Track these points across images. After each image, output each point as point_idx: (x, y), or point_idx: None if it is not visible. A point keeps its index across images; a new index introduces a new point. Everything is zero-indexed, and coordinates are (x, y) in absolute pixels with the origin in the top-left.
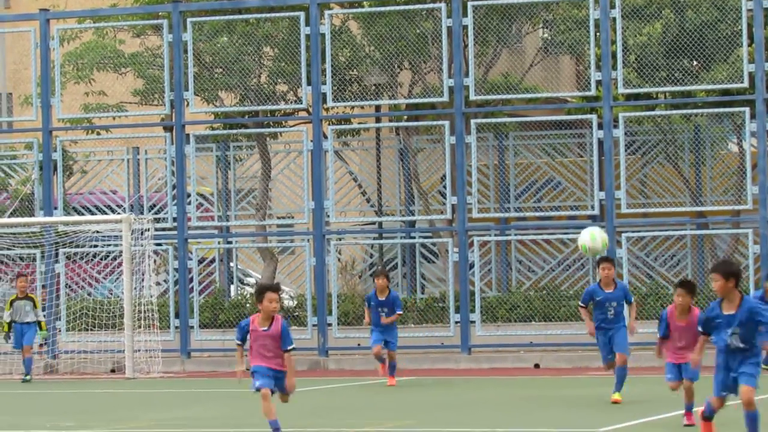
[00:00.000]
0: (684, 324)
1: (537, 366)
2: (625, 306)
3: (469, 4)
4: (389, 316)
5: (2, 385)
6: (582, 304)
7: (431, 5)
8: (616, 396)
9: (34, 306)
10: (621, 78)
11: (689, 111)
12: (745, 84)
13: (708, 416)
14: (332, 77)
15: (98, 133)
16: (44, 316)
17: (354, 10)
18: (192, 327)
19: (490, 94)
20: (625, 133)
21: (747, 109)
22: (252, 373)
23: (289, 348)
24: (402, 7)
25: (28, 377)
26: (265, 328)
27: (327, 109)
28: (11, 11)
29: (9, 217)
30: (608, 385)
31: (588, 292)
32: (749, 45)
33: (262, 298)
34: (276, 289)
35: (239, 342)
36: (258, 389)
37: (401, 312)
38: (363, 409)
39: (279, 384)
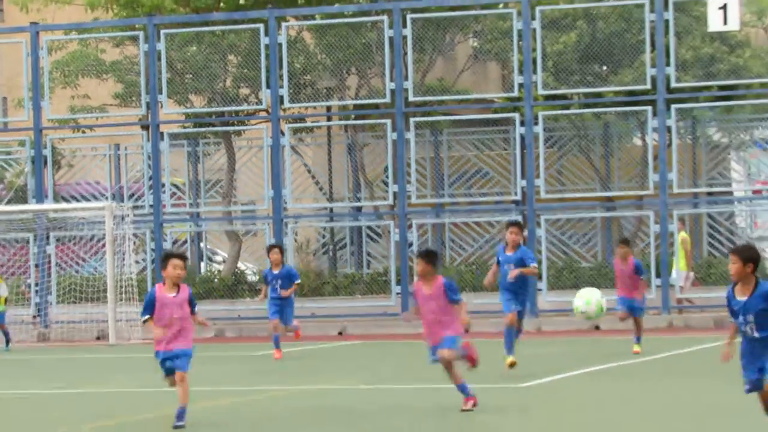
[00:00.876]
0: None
1: (466, 330)
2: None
3: (408, 17)
4: (286, 289)
5: None
6: (494, 265)
7: (375, 18)
8: (511, 359)
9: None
10: (540, 81)
11: (599, 110)
12: (648, 86)
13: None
14: (288, 81)
15: (83, 132)
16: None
17: (307, 23)
18: None
19: (426, 96)
20: (544, 129)
21: (650, 108)
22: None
23: (196, 311)
24: (349, 20)
25: (8, 347)
26: (173, 295)
27: (284, 110)
28: (5, 24)
29: (5, 205)
30: (536, 346)
31: (497, 254)
32: (651, 52)
33: (166, 264)
34: (181, 256)
35: (149, 317)
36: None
37: (299, 281)
38: (318, 367)
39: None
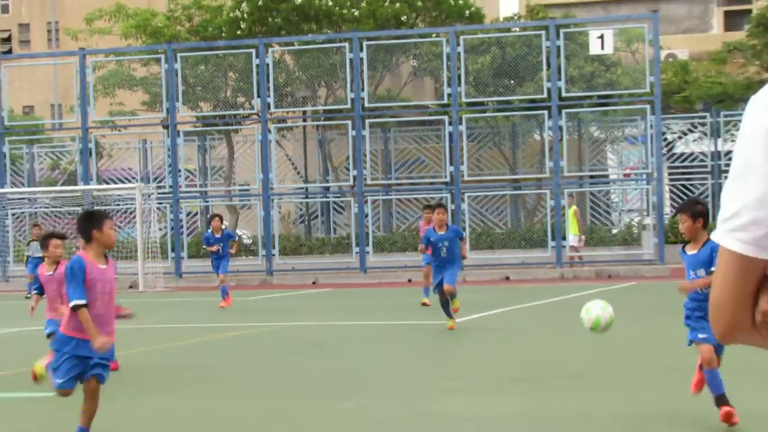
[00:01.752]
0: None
1: (409, 281)
2: (459, 242)
3: (364, 43)
4: (225, 249)
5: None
6: (422, 245)
7: (339, 44)
8: (451, 323)
9: None
10: (464, 92)
11: (508, 113)
12: (545, 95)
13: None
14: (273, 92)
15: (119, 130)
16: None
17: (287, 48)
18: (183, 257)
19: (378, 103)
20: (466, 128)
21: (546, 112)
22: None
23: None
24: (319, 46)
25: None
26: (50, 273)
27: (270, 114)
28: (60, 49)
29: (60, 186)
30: (463, 292)
31: (425, 236)
32: (547, 70)
33: (47, 244)
34: (61, 236)
35: (38, 292)
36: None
37: (236, 239)
38: (297, 308)
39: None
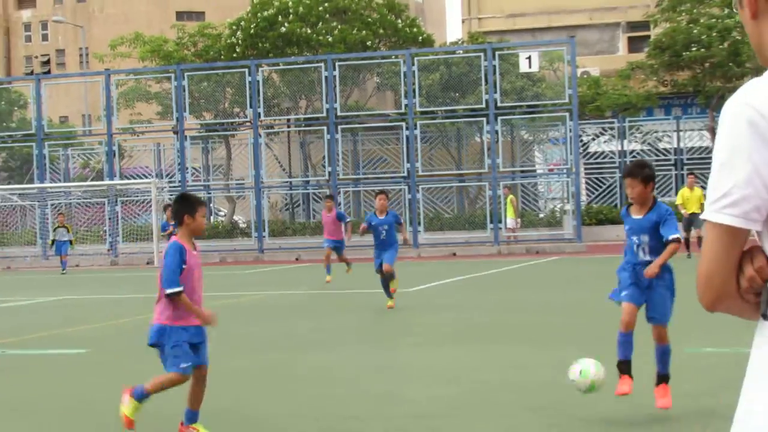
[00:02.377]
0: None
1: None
2: (397, 227)
3: (336, 63)
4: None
5: (72, 273)
6: (365, 225)
7: (316, 65)
8: (390, 302)
9: (68, 231)
10: (418, 103)
11: (454, 120)
12: (483, 105)
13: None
14: (263, 104)
15: (137, 136)
16: (73, 236)
17: (274, 67)
18: None
19: (348, 112)
20: (420, 132)
21: (484, 119)
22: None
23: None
24: (300, 66)
25: (64, 271)
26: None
27: (261, 122)
28: (89, 69)
29: (90, 181)
30: (418, 266)
31: (367, 219)
32: (485, 84)
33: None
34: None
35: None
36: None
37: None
38: (282, 280)
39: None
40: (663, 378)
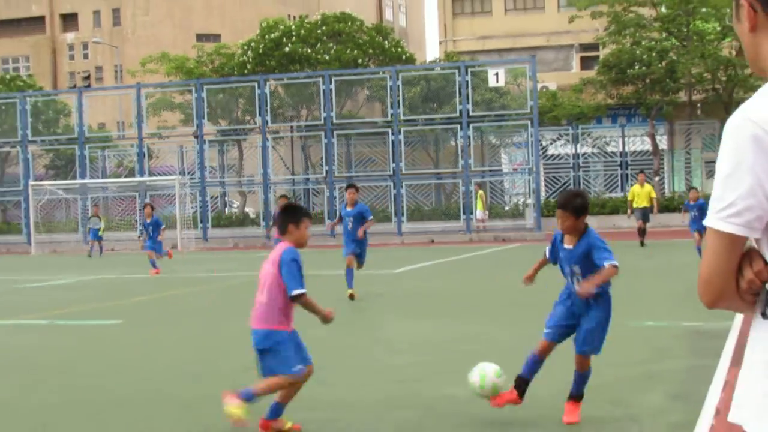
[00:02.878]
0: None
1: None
2: (363, 220)
3: (333, 78)
4: (159, 234)
5: (108, 256)
6: (338, 217)
7: (315, 80)
8: (350, 291)
9: (99, 220)
10: (401, 112)
11: (432, 126)
12: (458, 114)
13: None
14: (270, 112)
15: (163, 139)
16: (103, 225)
17: (279, 82)
18: (208, 227)
19: (343, 120)
20: (404, 137)
21: (458, 126)
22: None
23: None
24: (302, 80)
25: (90, 256)
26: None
27: (268, 127)
28: (123, 83)
29: (124, 178)
30: (402, 251)
31: (340, 212)
32: (459, 96)
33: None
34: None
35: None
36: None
37: (164, 226)
38: None
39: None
40: (576, 397)
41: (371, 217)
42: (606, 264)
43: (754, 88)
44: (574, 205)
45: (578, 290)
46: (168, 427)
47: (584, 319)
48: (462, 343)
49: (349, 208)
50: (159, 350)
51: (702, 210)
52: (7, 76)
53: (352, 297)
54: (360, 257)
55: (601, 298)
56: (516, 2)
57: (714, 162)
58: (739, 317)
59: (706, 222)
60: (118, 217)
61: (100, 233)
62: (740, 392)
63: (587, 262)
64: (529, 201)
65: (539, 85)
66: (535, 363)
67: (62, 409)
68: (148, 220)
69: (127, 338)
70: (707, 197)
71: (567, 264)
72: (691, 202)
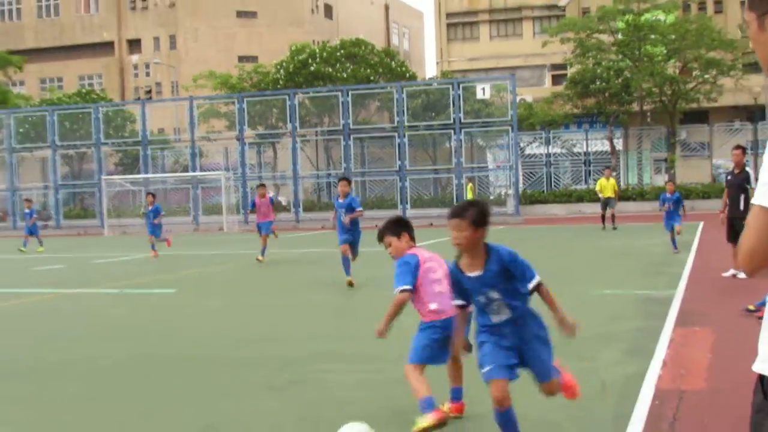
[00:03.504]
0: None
1: (376, 226)
2: (352, 210)
3: (349, 92)
4: (157, 218)
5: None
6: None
7: (335, 93)
8: (349, 279)
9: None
10: (406, 119)
11: (431, 131)
12: (452, 121)
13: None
14: (299, 120)
15: (211, 141)
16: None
17: (306, 95)
18: (248, 212)
19: (358, 126)
20: (408, 140)
21: (452, 131)
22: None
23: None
24: (324, 94)
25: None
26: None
27: (297, 132)
28: (179, 96)
29: (179, 173)
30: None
31: (335, 202)
32: (453, 107)
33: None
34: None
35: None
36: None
37: (163, 212)
38: (312, 243)
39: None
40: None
41: (360, 208)
42: (533, 284)
43: (694, 100)
44: (474, 215)
45: (564, 330)
46: (218, 382)
47: (526, 350)
48: None
49: (341, 200)
50: (205, 315)
51: (677, 202)
52: (84, 91)
53: (350, 284)
54: (353, 246)
55: (533, 325)
56: (499, 30)
57: (661, 161)
58: (682, 287)
59: (755, 201)
60: (174, 205)
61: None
62: (764, 348)
63: (506, 283)
64: (510, 192)
65: (518, 98)
66: (506, 416)
67: (126, 367)
68: (150, 208)
69: (179, 304)
70: (658, 189)
71: (480, 293)
72: (669, 195)
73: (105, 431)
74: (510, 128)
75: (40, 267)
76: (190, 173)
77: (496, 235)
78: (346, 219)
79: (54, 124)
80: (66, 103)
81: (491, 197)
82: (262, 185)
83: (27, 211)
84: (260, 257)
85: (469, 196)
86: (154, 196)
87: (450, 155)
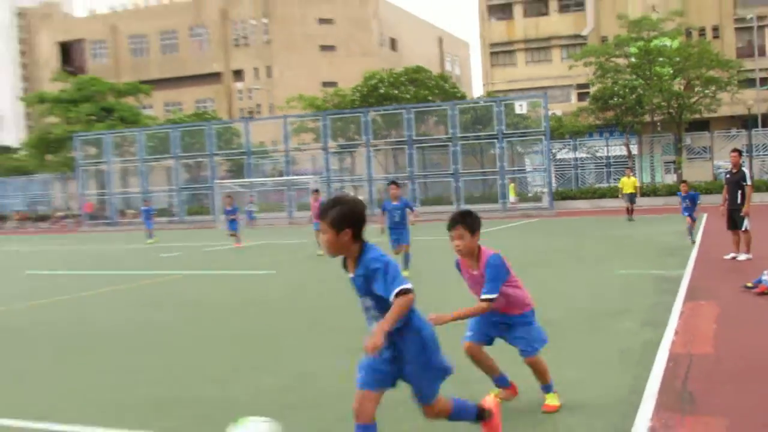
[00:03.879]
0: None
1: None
2: (408, 212)
3: (412, 110)
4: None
5: (262, 228)
6: (380, 210)
7: (400, 111)
8: (406, 272)
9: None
10: (458, 131)
11: (479, 141)
12: (495, 133)
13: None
14: (372, 133)
15: (302, 152)
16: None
17: (377, 113)
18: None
19: (419, 137)
20: (460, 148)
21: (496, 140)
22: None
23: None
24: (391, 111)
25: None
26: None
27: (371, 143)
28: (273, 114)
29: (276, 178)
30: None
31: (383, 204)
32: (497, 120)
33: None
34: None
35: None
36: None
37: (238, 211)
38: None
39: None
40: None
41: (416, 208)
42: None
43: (697, 111)
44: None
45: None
46: (320, 346)
47: (409, 371)
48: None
49: (394, 203)
50: (302, 292)
51: (693, 199)
52: (199, 112)
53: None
54: (403, 242)
55: (414, 342)
56: (533, 56)
57: (670, 163)
58: (690, 267)
59: None
60: (273, 202)
61: (254, 214)
62: None
63: (375, 296)
64: (545, 190)
65: (549, 112)
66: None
67: (231, 341)
68: (228, 208)
69: (276, 283)
70: (668, 187)
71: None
72: (683, 193)
73: (254, 366)
74: (543, 137)
75: (165, 254)
76: (285, 177)
77: (533, 225)
78: (412, 219)
79: (176, 139)
80: (185, 122)
81: (529, 194)
82: (316, 191)
83: (145, 208)
84: (321, 252)
85: (512, 194)
86: (231, 197)
87: (495, 160)
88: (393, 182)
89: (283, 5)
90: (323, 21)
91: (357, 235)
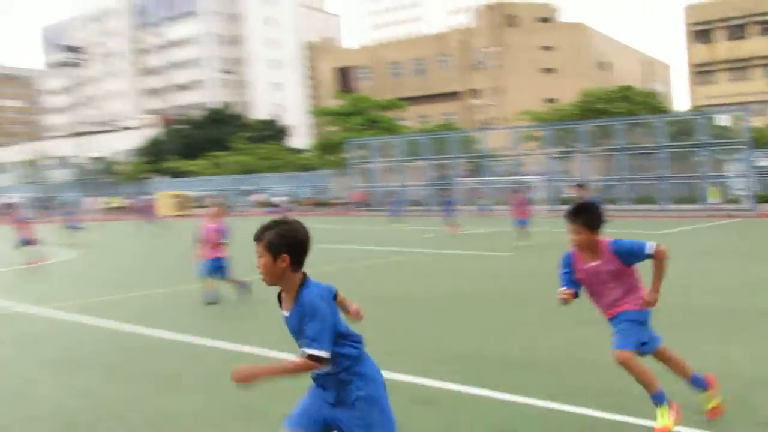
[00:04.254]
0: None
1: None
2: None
3: (624, 122)
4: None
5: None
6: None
7: (612, 123)
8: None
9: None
10: (665, 140)
11: (683, 149)
12: (698, 142)
13: None
14: (587, 141)
15: (528, 156)
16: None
17: (592, 125)
18: (556, 206)
19: (628, 145)
20: (668, 155)
21: (699, 148)
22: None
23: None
24: (605, 124)
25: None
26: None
27: (587, 150)
28: (505, 125)
29: (509, 177)
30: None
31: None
32: (701, 131)
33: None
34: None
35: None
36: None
37: (453, 204)
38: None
39: None
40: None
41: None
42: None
43: None
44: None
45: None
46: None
47: (345, 417)
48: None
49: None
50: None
51: None
52: (445, 123)
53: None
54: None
55: (359, 392)
56: (734, 75)
57: None
58: None
59: None
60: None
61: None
62: None
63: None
64: (746, 193)
65: (750, 124)
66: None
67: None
68: (447, 199)
69: (519, 265)
70: None
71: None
72: None
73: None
74: (745, 146)
75: (427, 236)
76: (515, 177)
77: (733, 226)
78: None
79: (426, 145)
80: (433, 131)
81: (730, 196)
82: (580, 185)
83: (447, 199)
84: (518, 243)
85: (715, 195)
86: (447, 191)
87: (697, 167)
88: (579, 184)
89: (511, 35)
90: (545, 48)
91: (296, 263)
